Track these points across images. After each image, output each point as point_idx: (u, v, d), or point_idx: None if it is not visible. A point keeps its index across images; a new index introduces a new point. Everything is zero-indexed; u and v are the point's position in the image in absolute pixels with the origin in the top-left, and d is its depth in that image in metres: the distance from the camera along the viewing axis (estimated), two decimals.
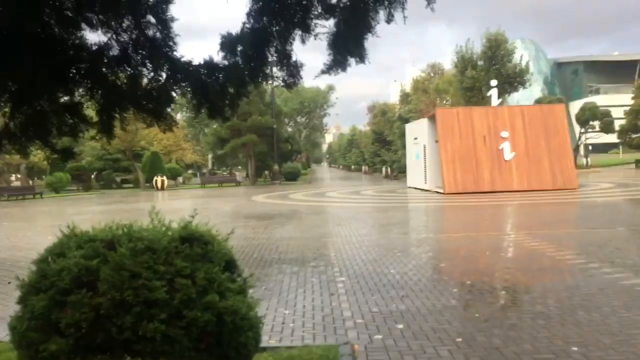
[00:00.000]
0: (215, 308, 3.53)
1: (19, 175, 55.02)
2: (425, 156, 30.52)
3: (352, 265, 9.37)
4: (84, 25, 2.45)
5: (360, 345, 5.27)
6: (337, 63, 3.06)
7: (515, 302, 6.74)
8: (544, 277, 8.14)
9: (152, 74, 2.74)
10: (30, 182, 54.42)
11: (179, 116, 71.51)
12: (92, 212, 22.93)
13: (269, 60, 3.02)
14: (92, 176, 51.58)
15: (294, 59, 3.07)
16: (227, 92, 2.99)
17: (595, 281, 7.54)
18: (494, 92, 31.92)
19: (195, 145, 65.08)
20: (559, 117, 28.68)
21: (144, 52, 2.60)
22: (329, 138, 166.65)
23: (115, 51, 2.60)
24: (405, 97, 61.25)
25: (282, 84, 3.17)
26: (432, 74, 61.60)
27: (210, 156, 67.75)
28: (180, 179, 53.96)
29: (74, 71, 2.48)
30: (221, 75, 2.88)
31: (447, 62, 64.52)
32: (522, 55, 47.12)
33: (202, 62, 2.88)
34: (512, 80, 42.77)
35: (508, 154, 27.54)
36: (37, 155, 46.42)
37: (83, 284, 3.43)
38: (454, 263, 9.56)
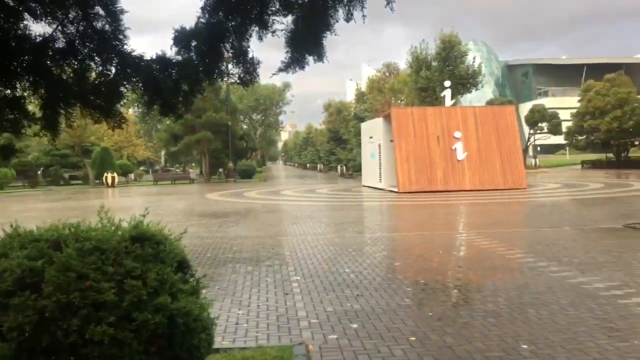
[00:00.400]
0: (167, 310, 3.43)
1: None
2: (380, 155, 30.79)
3: (307, 264, 9.35)
4: (26, 15, 2.32)
5: (314, 345, 5.24)
6: (295, 61, 3.01)
7: (467, 301, 6.84)
8: (494, 275, 8.30)
9: (100, 68, 2.62)
10: None
11: (130, 111, 70.06)
12: (38, 210, 22.18)
13: (225, 56, 2.94)
14: (39, 172, 49.87)
15: (250, 55, 3.00)
16: (180, 88, 2.90)
17: (544, 279, 7.74)
18: (447, 93, 32.48)
19: (147, 142, 63.87)
20: (509, 118, 29.42)
21: (91, 45, 2.48)
22: (284, 136, 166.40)
23: (60, 43, 2.47)
24: (360, 96, 61.69)
25: (238, 81, 3.08)
26: (387, 74, 62.22)
27: (163, 153, 66.61)
28: (131, 176, 52.84)
29: (15, 64, 2.35)
30: (174, 71, 2.78)
31: (403, 62, 65.26)
32: (474, 57, 48.13)
33: (154, 57, 2.78)
34: (465, 82, 43.65)
35: (461, 154, 28.08)
36: None
37: (27, 285, 3.28)
38: (407, 262, 9.66)
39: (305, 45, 2.89)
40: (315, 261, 9.58)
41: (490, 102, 59.20)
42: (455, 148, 28.09)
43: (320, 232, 13.53)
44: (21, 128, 2.61)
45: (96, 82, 2.62)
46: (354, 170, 52.07)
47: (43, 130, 2.83)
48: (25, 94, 2.57)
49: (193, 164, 67.67)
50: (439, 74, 42.83)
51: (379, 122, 31.60)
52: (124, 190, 38.50)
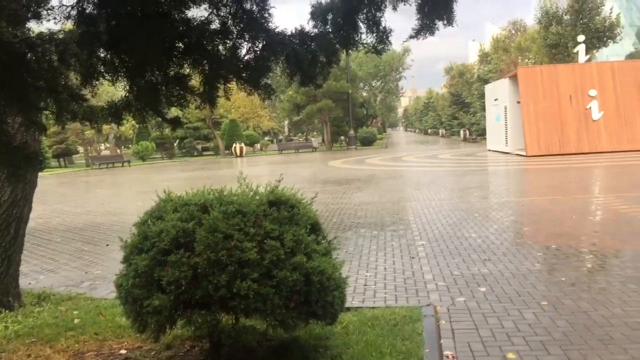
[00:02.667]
0: (303, 268, 3.68)
1: (107, 145, 58.07)
2: (506, 118, 29.52)
3: (431, 229, 9.36)
4: (189, 3, 2.59)
5: (442, 307, 5.32)
6: (426, 27, 3.03)
7: (603, 267, 6.53)
8: (635, 241, 7.81)
9: (249, 45, 2.85)
10: (119, 150, 57.35)
11: None
12: (177, 179, 23.95)
13: (359, 27, 3.05)
14: (175, 144, 53.57)
15: (383, 25, 3.08)
16: (318, 60, 3.05)
17: None
18: (581, 49, 30.19)
19: (271, 113, 65.98)
20: None
21: (241, 25, 2.69)
22: (404, 102, 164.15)
23: (216, 24, 2.72)
24: (484, 57, 59.10)
25: (372, 50, 3.19)
26: (513, 32, 59.00)
27: (286, 123, 68.61)
28: (257, 146, 55.11)
29: (182, 46, 2.63)
30: (313, 44, 2.94)
31: (530, 19, 61.51)
32: (612, 7, 44.11)
33: (294, 32, 2.95)
34: (601, 35, 40.16)
35: (596, 114, 26.16)
36: (126, 124, 48.76)
37: (181, 244, 3.67)
38: (537, 227, 9.33)
39: (437, 9, 2.90)
40: (440, 226, 9.56)
41: (630, 56, 54.20)
42: (590, 107, 26.20)
43: (444, 197, 13.40)
44: (187, 102, 2.92)
45: (246, 58, 2.85)
46: (478, 134, 50.42)
47: (203, 103, 3.13)
48: (189, 73, 2.86)
49: (315, 133, 69.09)
50: (572, 28, 39.78)
51: (504, 83, 30.20)
52: (251, 159, 40.34)
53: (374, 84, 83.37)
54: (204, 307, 3.76)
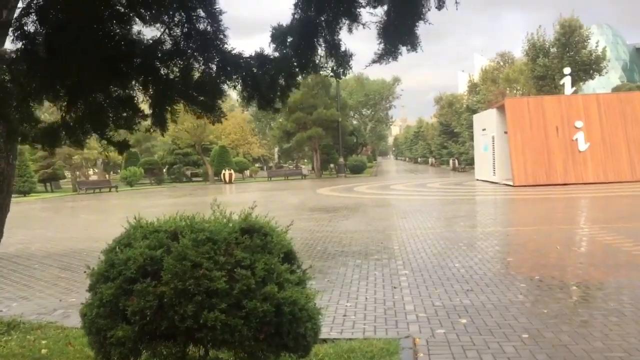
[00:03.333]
0: (274, 298, 3.57)
1: (96, 170, 57.74)
2: (493, 148, 29.71)
3: (415, 258, 9.26)
4: (137, 20, 2.53)
5: (421, 339, 5.20)
6: (388, 52, 3.00)
7: (586, 299, 6.45)
8: (618, 272, 7.75)
9: (203, 67, 2.79)
10: (107, 176, 57.04)
11: (247, 112, 72.91)
12: (162, 205, 23.75)
13: (318, 50, 3.01)
14: (164, 170, 53.39)
15: (343, 48, 3.05)
16: (277, 83, 3.01)
17: None
18: (567, 80, 30.59)
19: (261, 139, 66.11)
20: (639, 106, 27.19)
21: (195, 45, 2.65)
22: (395, 130, 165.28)
23: (167, 45, 2.66)
24: (473, 88, 59.79)
25: (331, 73, 3.14)
26: (501, 63, 59.83)
27: (276, 150, 68.69)
28: (247, 173, 55.03)
29: (128, 65, 2.57)
30: (271, 67, 2.89)
31: (518, 51, 62.42)
32: (597, 41, 44.91)
33: (252, 55, 2.91)
34: (587, 68, 40.83)
35: (582, 145, 26.40)
36: (113, 150, 48.57)
37: (148, 273, 3.56)
38: (522, 257, 9.27)
39: (398, 35, 2.88)
40: (425, 255, 9.47)
41: (617, 89, 55.03)
42: (577, 138, 26.45)
43: (430, 226, 13.33)
44: (134, 125, 2.85)
45: (199, 80, 2.80)
46: (467, 163, 50.72)
47: (153, 126, 3.06)
48: (136, 94, 2.79)
49: (305, 160, 69.19)
50: (558, 61, 40.41)
51: (492, 113, 30.48)
52: (240, 186, 40.21)
53: (364, 112, 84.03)
54: (170, 338, 3.63)
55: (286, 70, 2.96)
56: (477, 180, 32.86)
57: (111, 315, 3.55)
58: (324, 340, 4.98)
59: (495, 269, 8.20)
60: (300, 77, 3.17)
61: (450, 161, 56.18)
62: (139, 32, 2.57)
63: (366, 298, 6.80)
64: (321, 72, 3.09)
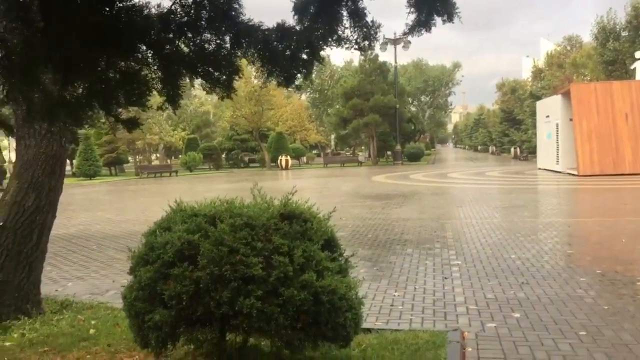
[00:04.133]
0: (312, 287, 3.46)
1: (157, 155, 59.40)
2: (557, 135, 28.56)
3: (469, 248, 8.97)
4: None
5: (470, 332, 4.99)
6: (421, 23, 2.78)
7: None
8: None
9: (217, 39, 2.65)
10: (168, 161, 58.59)
11: (303, 97, 73.10)
12: (219, 190, 24.06)
13: (342, 20, 2.81)
14: (223, 156, 54.30)
15: (368, 18, 2.84)
16: (298, 58, 2.84)
17: None
18: (638, 65, 28.98)
19: (318, 126, 66.16)
20: None
21: (207, 16, 2.51)
22: (455, 118, 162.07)
23: (179, 17, 2.53)
24: (538, 73, 57.62)
25: (355, 46, 2.94)
26: (568, 48, 57.41)
27: (333, 136, 68.62)
28: (304, 159, 55.24)
29: (137, 38, 2.47)
30: (292, 40, 2.72)
31: (587, 35, 59.79)
32: None
33: (272, 27, 2.75)
34: None
35: None
36: (175, 135, 49.81)
37: (185, 257, 3.52)
38: (583, 250, 8.81)
39: (430, 2, 2.65)
40: (479, 245, 9.16)
41: None
42: None
43: (487, 215, 12.92)
44: (144, 101, 2.77)
45: (213, 54, 2.67)
46: (529, 152, 49.12)
47: (166, 103, 2.97)
48: (146, 70, 2.71)
49: (362, 147, 68.87)
50: (630, 44, 38.34)
51: (556, 99, 29.27)
52: (296, 172, 40.40)
53: (422, 99, 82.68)
54: (206, 324, 3.59)
55: (307, 43, 2.78)
56: (540, 169, 31.73)
57: (149, 299, 3.54)
58: (368, 330, 4.85)
59: (553, 262, 7.82)
60: (323, 50, 2.99)
61: (512, 149, 54.55)
62: (147, 2, 2.46)
63: (415, 288, 6.61)
64: (346, 46, 2.90)
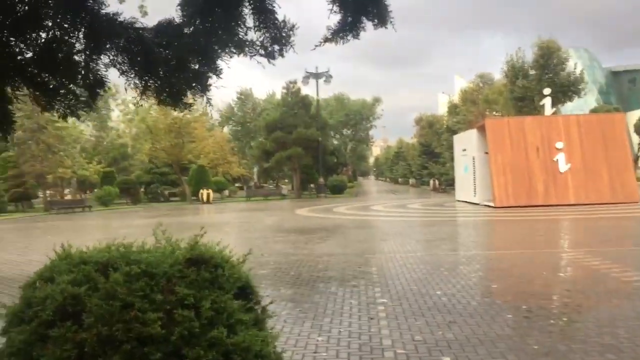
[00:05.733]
0: (223, 345, 2.97)
1: (70, 189, 56.45)
2: (474, 168, 29.43)
3: (395, 284, 8.70)
4: None
5: None
6: (348, 26, 2.39)
7: (579, 332, 5.92)
8: (610, 301, 7.27)
9: (70, 39, 2.13)
10: (83, 195, 55.71)
11: (225, 129, 72.24)
12: (136, 226, 22.90)
13: (244, 19, 2.34)
14: (141, 190, 52.30)
15: (279, 16, 2.38)
16: (187, 67, 2.36)
17: None
18: (547, 101, 30.55)
19: (241, 159, 65.34)
20: (618, 127, 27.25)
21: (59, 8, 2.01)
22: (375, 151, 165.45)
23: (21, 11, 2.02)
24: (453, 109, 59.89)
25: (261, 53, 2.47)
26: (481, 84, 60.12)
27: (255, 169, 67.97)
28: (226, 192, 54.16)
29: None
30: (179, 44, 2.22)
31: (497, 73, 62.92)
32: (575, 63, 45.31)
33: (152, 26, 2.25)
34: (566, 89, 41.03)
35: (563, 166, 26.22)
36: (90, 169, 47.55)
37: (68, 315, 2.94)
38: (506, 284, 8.75)
39: (360, 3, 2.26)
40: (404, 281, 8.91)
41: (594, 111, 55.48)
42: (557, 159, 26.26)
43: (411, 249, 12.79)
44: None
45: (64, 59, 2.15)
46: (447, 184, 50.52)
47: None
48: None
49: (285, 180, 68.55)
50: (537, 82, 40.58)
51: (472, 133, 30.27)
52: (218, 206, 39.36)
53: (345, 132, 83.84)
54: None
55: (200, 48, 2.28)
56: (458, 201, 32.51)
57: None
58: None
59: (479, 297, 7.66)
60: (220, 58, 2.49)
61: (431, 182, 56.01)
62: None
63: (340, 331, 6.20)
64: (249, 53, 2.41)
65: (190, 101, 2.59)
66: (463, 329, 6.09)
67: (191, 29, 2.25)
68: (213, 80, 2.39)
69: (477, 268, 10.09)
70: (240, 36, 2.36)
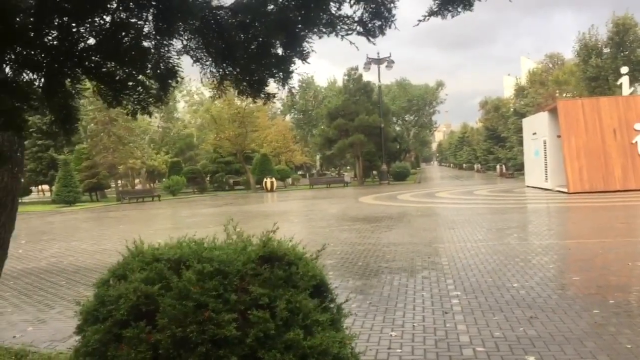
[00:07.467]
0: (300, 347, 2.81)
1: (140, 179, 58.38)
2: (545, 153, 28.25)
3: (467, 276, 8.36)
4: None
5: None
6: (447, 1, 2.10)
7: None
8: None
9: (139, 22, 1.96)
10: (152, 185, 57.56)
11: (287, 117, 72.67)
12: (203, 215, 23.33)
13: None
14: (207, 179, 53.46)
15: None
16: (269, 53, 2.13)
17: None
18: (624, 80, 28.89)
19: (303, 147, 65.61)
20: None
21: None
22: (439, 136, 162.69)
23: None
24: (520, 91, 57.78)
25: (360, 29, 2.19)
26: (550, 65, 57.76)
27: (318, 157, 68.08)
28: (289, 180, 54.56)
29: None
30: (259, 25, 1.98)
31: (569, 52, 60.24)
32: None
33: (230, 4, 2.01)
34: None
35: None
36: (158, 159, 48.97)
37: (142, 314, 2.86)
38: (589, 276, 8.23)
39: None
40: (477, 272, 8.56)
41: None
42: (636, 142, 24.80)
43: (481, 238, 12.34)
44: (22, 123, 2.11)
45: (136, 45, 1.95)
46: (515, 169, 48.99)
47: (53, 126, 2.31)
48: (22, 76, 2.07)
49: (347, 167, 68.36)
50: (612, 61, 38.48)
51: (543, 116, 29.04)
52: (281, 194, 39.69)
53: (407, 118, 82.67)
54: None
55: (283, 28, 2.02)
56: (528, 186, 31.38)
57: None
58: None
59: (560, 290, 7.23)
60: (309, 40, 2.22)
61: (497, 167, 54.45)
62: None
63: (414, 326, 5.96)
64: (342, 32, 2.14)
65: (275, 91, 2.39)
66: (546, 325, 5.73)
67: (275, 6, 2.02)
68: (295, 66, 2.19)
69: (554, 258, 9.58)
70: (333, 12, 2.10)
